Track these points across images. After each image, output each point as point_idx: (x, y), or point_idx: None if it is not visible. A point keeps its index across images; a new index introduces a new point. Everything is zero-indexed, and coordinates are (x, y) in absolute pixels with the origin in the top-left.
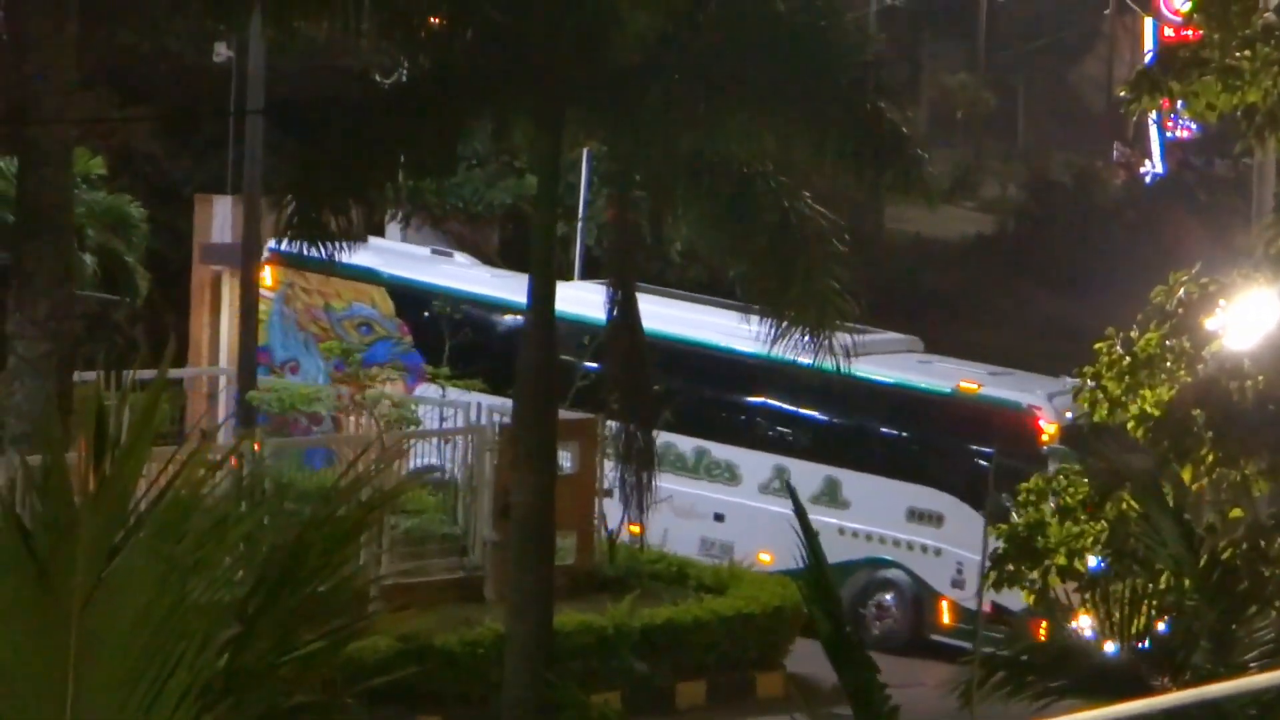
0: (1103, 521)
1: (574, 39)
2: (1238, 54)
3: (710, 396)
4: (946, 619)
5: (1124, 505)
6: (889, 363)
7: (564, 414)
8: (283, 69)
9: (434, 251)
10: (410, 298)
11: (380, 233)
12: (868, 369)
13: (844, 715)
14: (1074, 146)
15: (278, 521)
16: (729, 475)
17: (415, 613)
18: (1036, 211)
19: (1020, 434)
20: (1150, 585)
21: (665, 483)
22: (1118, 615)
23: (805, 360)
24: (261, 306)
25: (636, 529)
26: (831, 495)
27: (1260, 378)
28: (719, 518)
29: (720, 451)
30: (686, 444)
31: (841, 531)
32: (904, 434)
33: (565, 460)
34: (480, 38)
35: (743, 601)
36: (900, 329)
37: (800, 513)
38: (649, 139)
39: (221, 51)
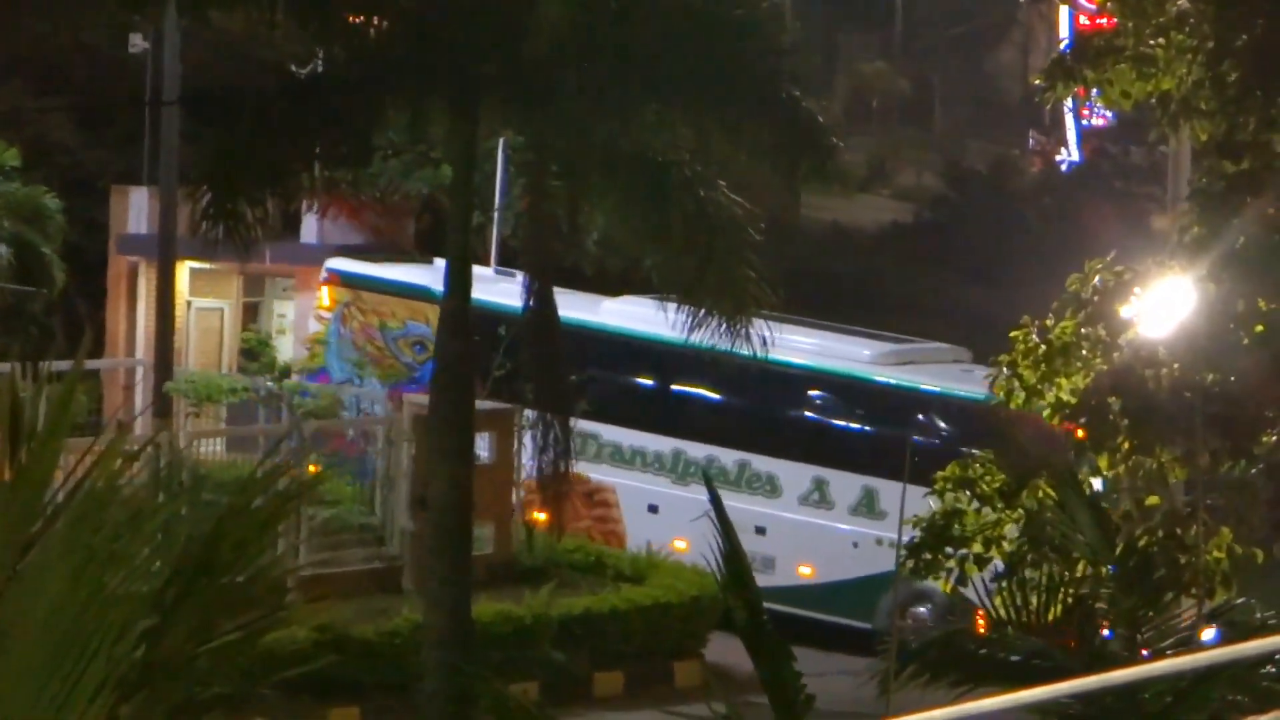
0: (1019, 510)
1: (489, 28)
2: (1152, 42)
3: (751, 409)
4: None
5: (1040, 493)
6: (933, 372)
7: (481, 404)
8: (198, 60)
9: (497, 271)
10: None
11: (296, 225)
12: (912, 378)
13: (761, 704)
14: (990, 135)
15: (195, 512)
16: (769, 488)
17: (333, 603)
18: (953, 199)
19: (1061, 441)
20: (1066, 573)
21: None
22: (1034, 602)
23: (855, 370)
24: (318, 327)
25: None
26: (870, 506)
27: (1175, 365)
28: (760, 531)
29: (761, 464)
30: (729, 457)
31: (880, 542)
32: (945, 444)
33: (482, 450)
34: (395, 28)
35: (660, 591)
36: (815, 317)
37: (716, 501)
38: (564, 128)
39: (137, 42)
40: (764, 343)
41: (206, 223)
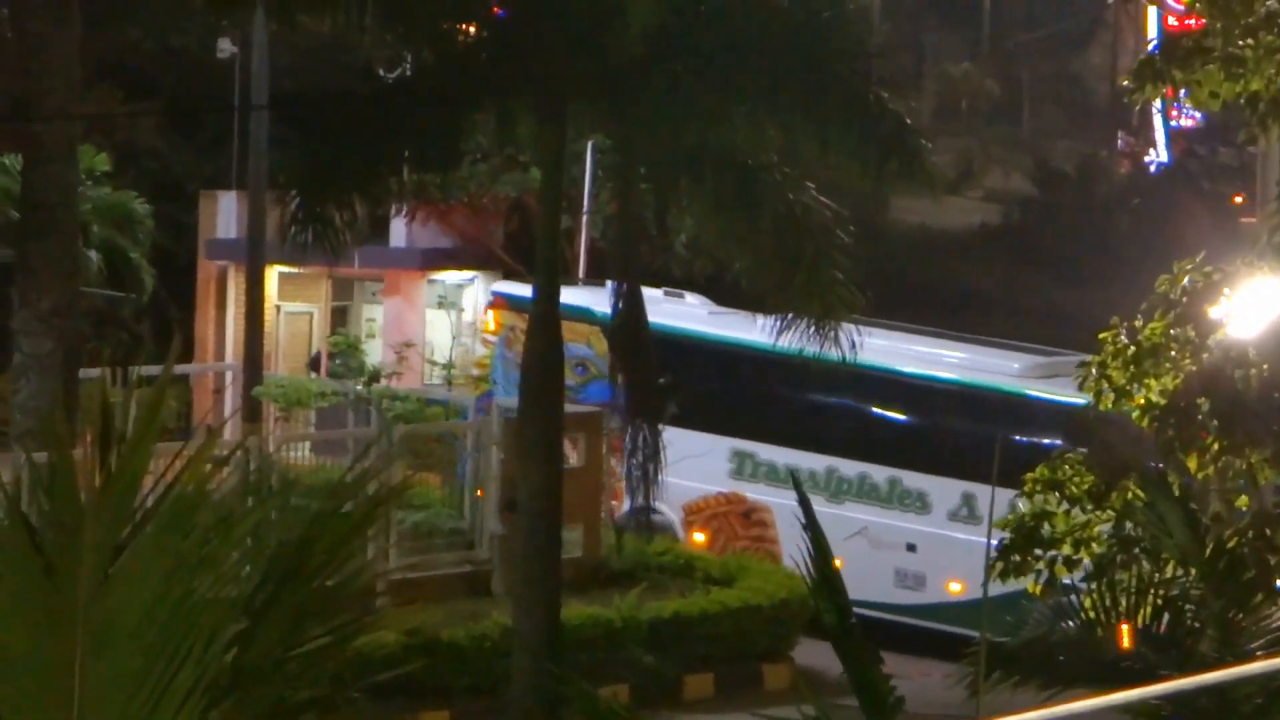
0: (1109, 511)
1: (576, 32)
2: (1240, 42)
3: (901, 425)
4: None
5: (1130, 495)
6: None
7: (570, 408)
8: (286, 64)
9: (666, 293)
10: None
11: (384, 229)
12: (1060, 391)
13: (850, 707)
14: (1078, 136)
15: (284, 517)
16: (920, 504)
17: (422, 607)
18: (1041, 201)
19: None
20: (1156, 574)
21: (859, 514)
22: (1124, 604)
23: (1004, 385)
24: (485, 351)
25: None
26: None
27: (1265, 366)
28: (911, 548)
29: (911, 480)
30: (880, 474)
31: None
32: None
33: (572, 454)
34: (483, 31)
35: (750, 593)
36: (903, 320)
37: (805, 504)
38: (652, 131)
39: (225, 47)
40: (852, 346)
41: (295, 227)
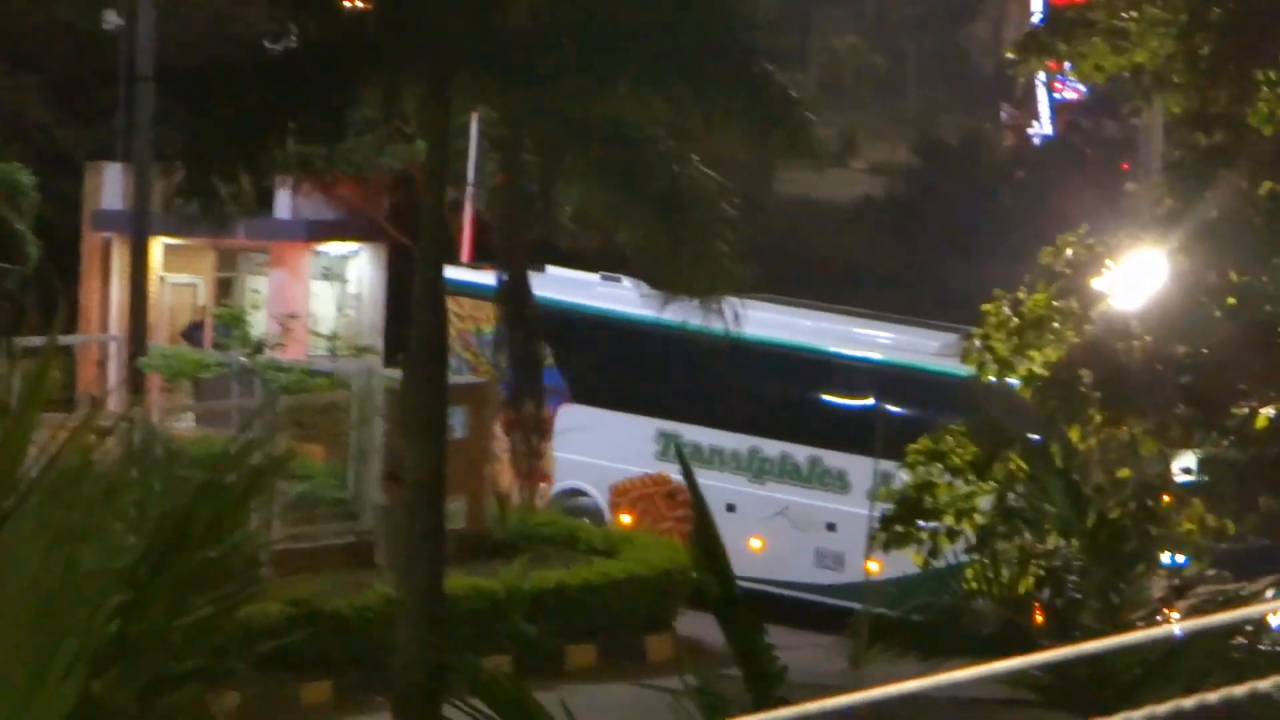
0: (991, 482)
1: (462, 4)
2: (1125, 15)
3: (822, 405)
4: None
5: (1012, 466)
6: None
7: (455, 379)
8: (172, 36)
9: (604, 278)
10: (556, 318)
11: (270, 201)
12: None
13: (733, 677)
14: (963, 109)
15: (168, 488)
16: (840, 484)
17: (305, 578)
18: (925, 174)
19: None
20: (1038, 545)
21: (780, 494)
22: (1006, 575)
23: (927, 364)
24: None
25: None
26: None
27: (1147, 338)
28: (831, 527)
29: (832, 459)
30: (801, 453)
31: None
32: None
33: (456, 425)
34: (369, 3)
35: (633, 564)
36: (789, 293)
37: (689, 477)
38: (538, 104)
39: (111, 19)
40: (735, 319)
41: (180, 199)
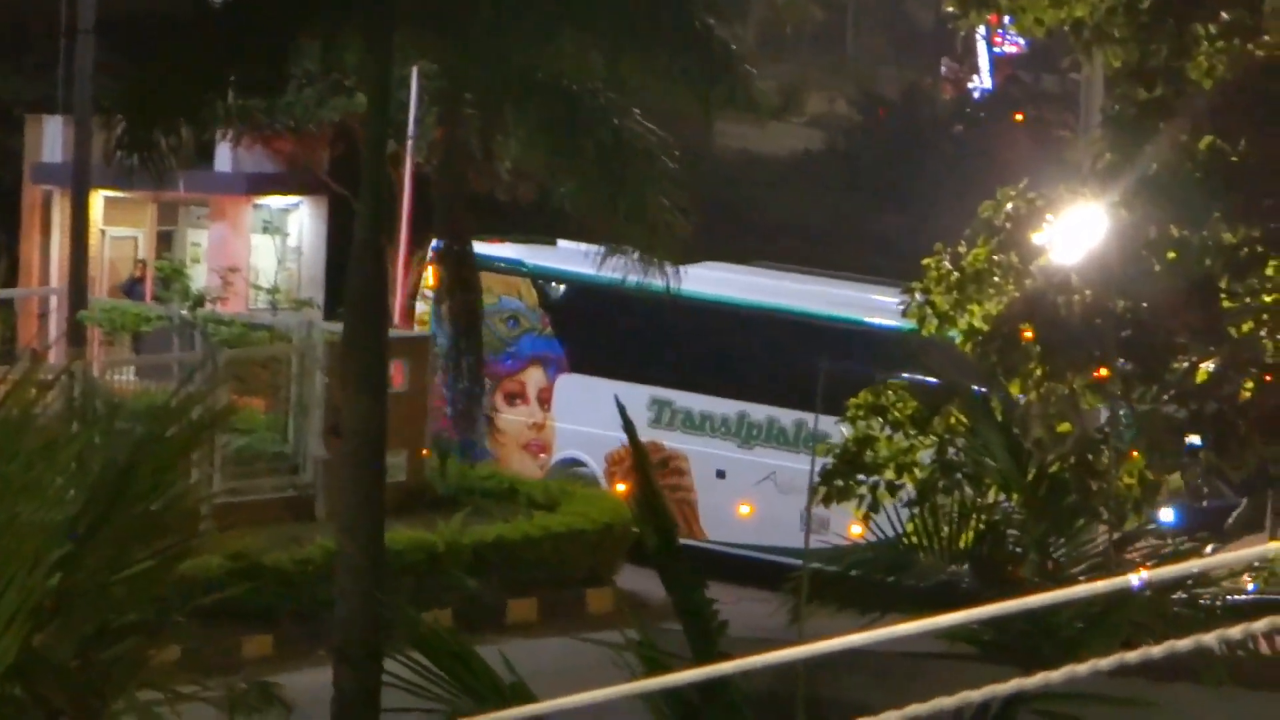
0: (932, 436)
1: None
2: None
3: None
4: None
5: (952, 420)
6: None
7: (395, 333)
8: None
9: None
10: (554, 287)
11: (210, 154)
12: None
13: (674, 631)
14: (903, 62)
15: (109, 441)
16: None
17: (246, 531)
18: (865, 127)
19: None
20: (978, 499)
21: (768, 459)
22: (946, 529)
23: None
24: (424, 307)
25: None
26: None
27: (1087, 292)
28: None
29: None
30: (787, 417)
31: None
32: None
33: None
34: None
35: (573, 518)
36: (729, 244)
37: (630, 431)
38: (477, 56)
39: None
40: (677, 274)
41: (121, 152)
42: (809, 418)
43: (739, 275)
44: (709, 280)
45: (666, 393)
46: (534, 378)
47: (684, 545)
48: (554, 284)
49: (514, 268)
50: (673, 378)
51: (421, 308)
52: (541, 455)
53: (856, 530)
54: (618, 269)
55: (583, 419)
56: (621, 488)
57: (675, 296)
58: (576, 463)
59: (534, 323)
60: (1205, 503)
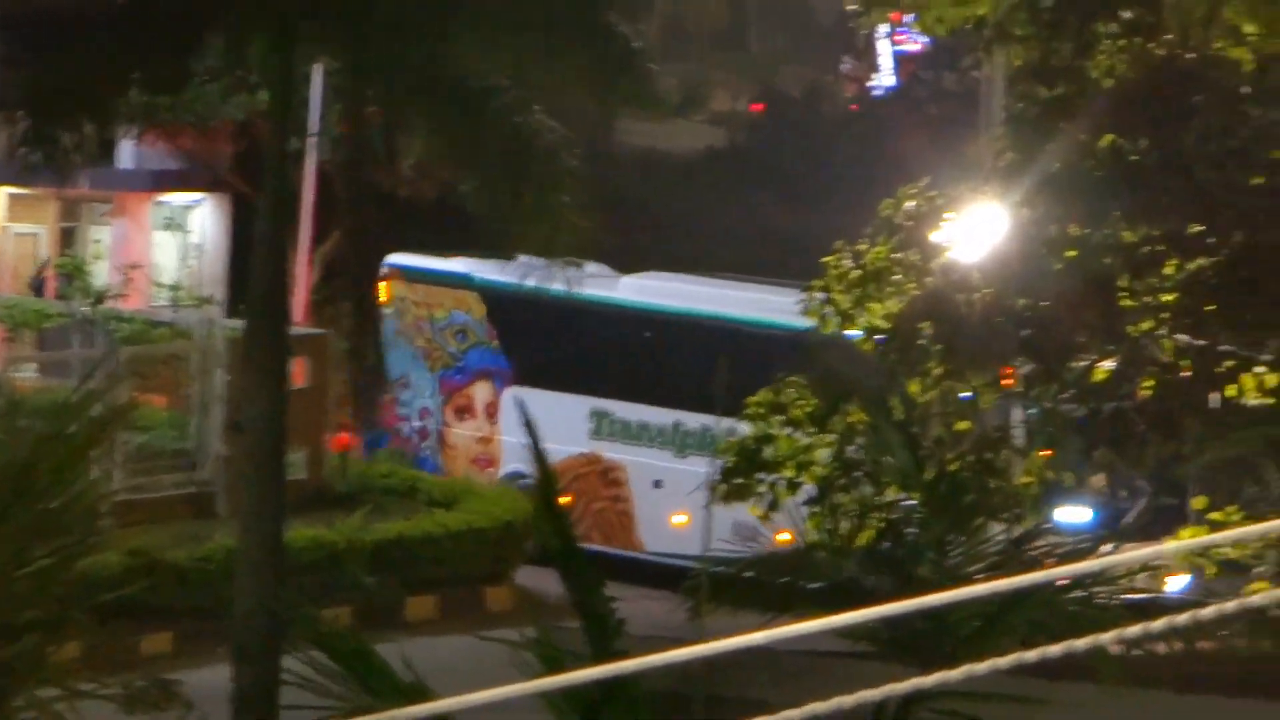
0: (831, 434)
1: None
2: None
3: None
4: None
5: (852, 418)
6: None
7: (296, 330)
8: None
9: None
10: (500, 300)
11: (113, 151)
12: None
13: (572, 629)
14: (805, 60)
15: (9, 438)
16: None
17: (146, 528)
18: (767, 124)
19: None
20: (877, 497)
21: (702, 468)
22: (845, 527)
23: None
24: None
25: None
26: None
27: (987, 290)
28: None
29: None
30: (722, 425)
31: None
32: None
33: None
34: None
35: (473, 516)
36: (631, 243)
37: (531, 430)
38: (380, 54)
39: None
40: (578, 272)
41: (23, 148)
42: (741, 425)
43: (674, 284)
44: (644, 289)
45: (605, 403)
46: (482, 392)
47: (623, 557)
48: (500, 297)
49: (463, 282)
50: (611, 388)
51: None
52: (489, 469)
53: (784, 538)
54: (558, 280)
55: (527, 432)
56: (563, 500)
57: (612, 306)
58: (522, 476)
59: (482, 336)
60: (1124, 502)
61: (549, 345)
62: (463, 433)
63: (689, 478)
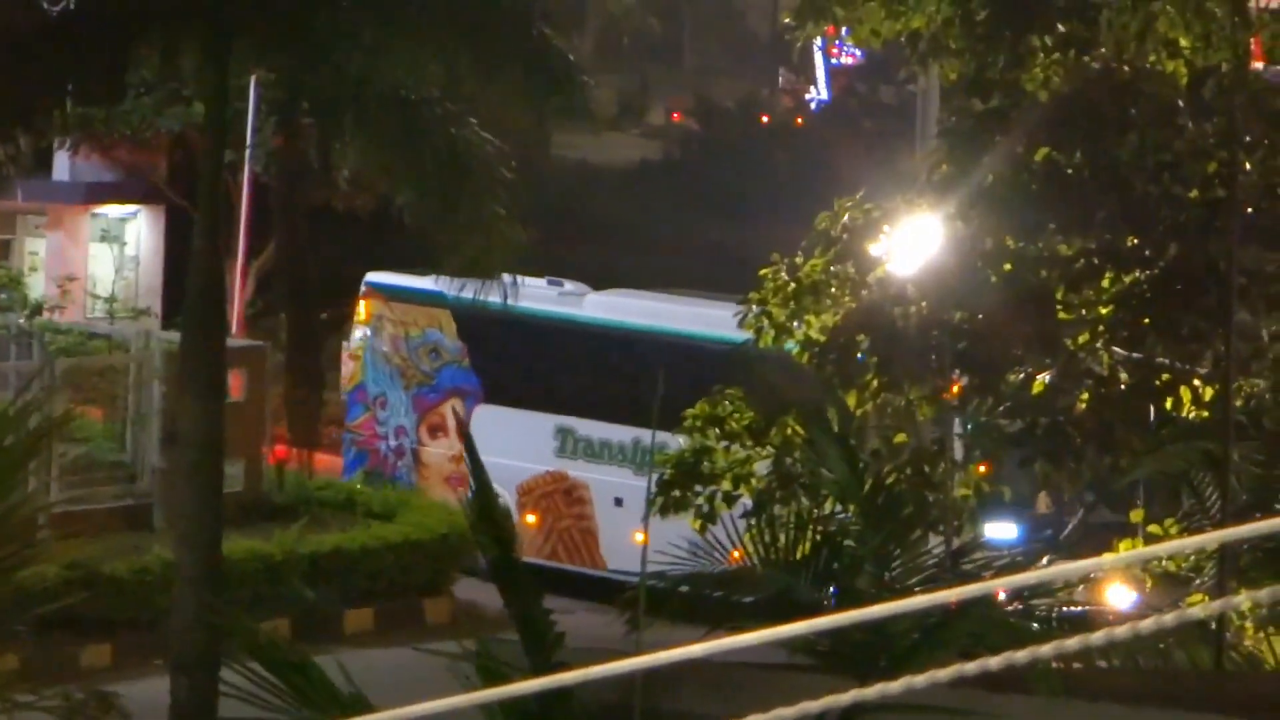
0: (769, 447)
1: None
2: None
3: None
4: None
5: (789, 431)
6: None
7: (232, 342)
8: None
9: (549, 282)
10: (468, 318)
11: (48, 162)
12: None
13: (511, 641)
14: (740, 73)
15: None
16: None
17: (84, 540)
18: (702, 137)
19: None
20: (815, 510)
21: None
22: (783, 540)
23: None
24: (357, 342)
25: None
26: None
27: (924, 303)
28: None
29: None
30: (675, 443)
31: None
32: None
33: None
34: None
35: (410, 528)
36: (566, 257)
37: (467, 441)
38: (315, 66)
39: None
40: (511, 286)
41: None
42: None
43: (637, 301)
44: (605, 306)
45: (569, 420)
46: (453, 410)
47: (584, 574)
48: (468, 315)
49: (435, 299)
50: (574, 406)
51: (357, 344)
52: (461, 489)
53: (738, 554)
54: (495, 293)
55: (496, 450)
56: (531, 519)
57: (573, 323)
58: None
59: (454, 355)
60: (1064, 516)
61: (516, 363)
62: (436, 451)
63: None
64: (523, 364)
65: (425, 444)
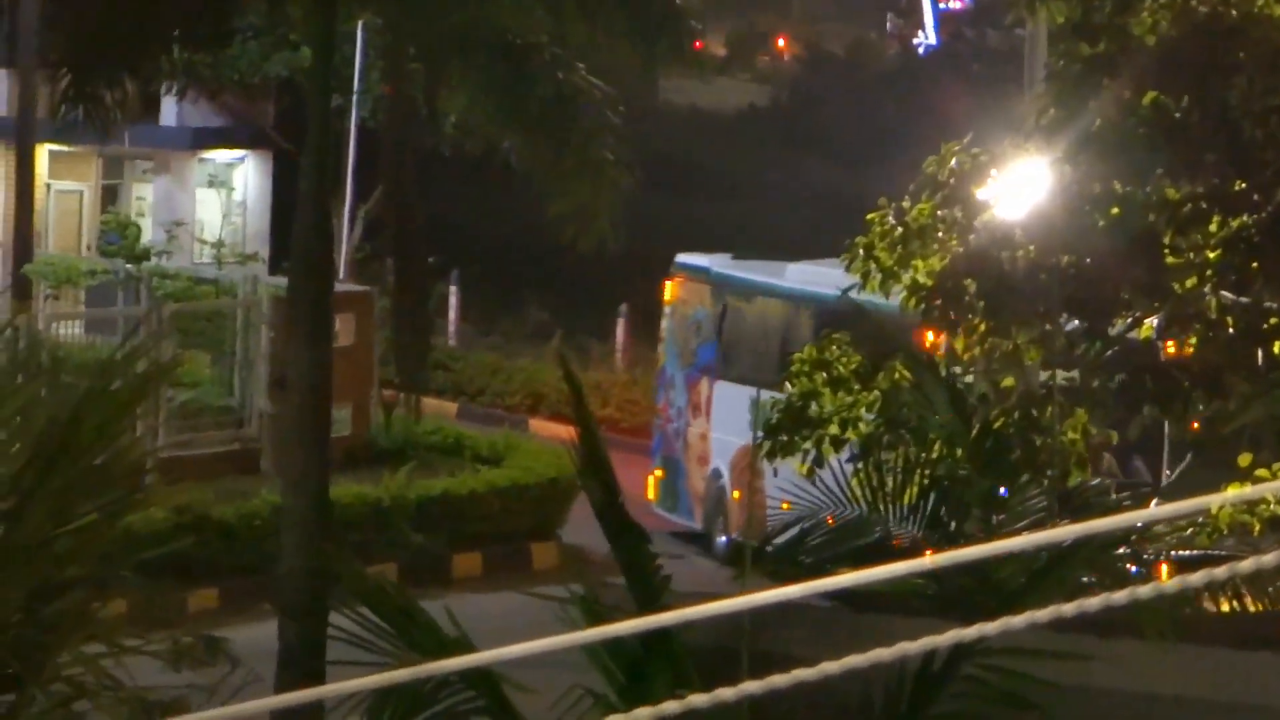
0: (876, 391)
1: None
2: None
3: None
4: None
5: (896, 375)
6: None
7: (339, 287)
8: None
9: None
10: (721, 294)
11: (156, 108)
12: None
13: (618, 585)
14: (848, 18)
15: (54, 394)
16: None
17: (191, 485)
18: (810, 83)
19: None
20: (922, 454)
21: None
22: (891, 484)
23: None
24: (662, 323)
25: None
26: None
27: (1031, 247)
28: None
29: None
30: None
31: None
32: None
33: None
34: None
35: (518, 472)
36: (676, 199)
37: (572, 382)
38: (422, 11)
39: None
40: (615, 231)
41: (65, 105)
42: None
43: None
44: (807, 277)
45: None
46: (704, 388)
47: None
48: (721, 291)
49: (704, 276)
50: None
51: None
52: (703, 467)
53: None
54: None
55: (727, 427)
56: (735, 494)
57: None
58: (720, 475)
59: (710, 332)
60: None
61: (746, 339)
62: (695, 430)
63: None
64: (748, 340)
65: (690, 423)
